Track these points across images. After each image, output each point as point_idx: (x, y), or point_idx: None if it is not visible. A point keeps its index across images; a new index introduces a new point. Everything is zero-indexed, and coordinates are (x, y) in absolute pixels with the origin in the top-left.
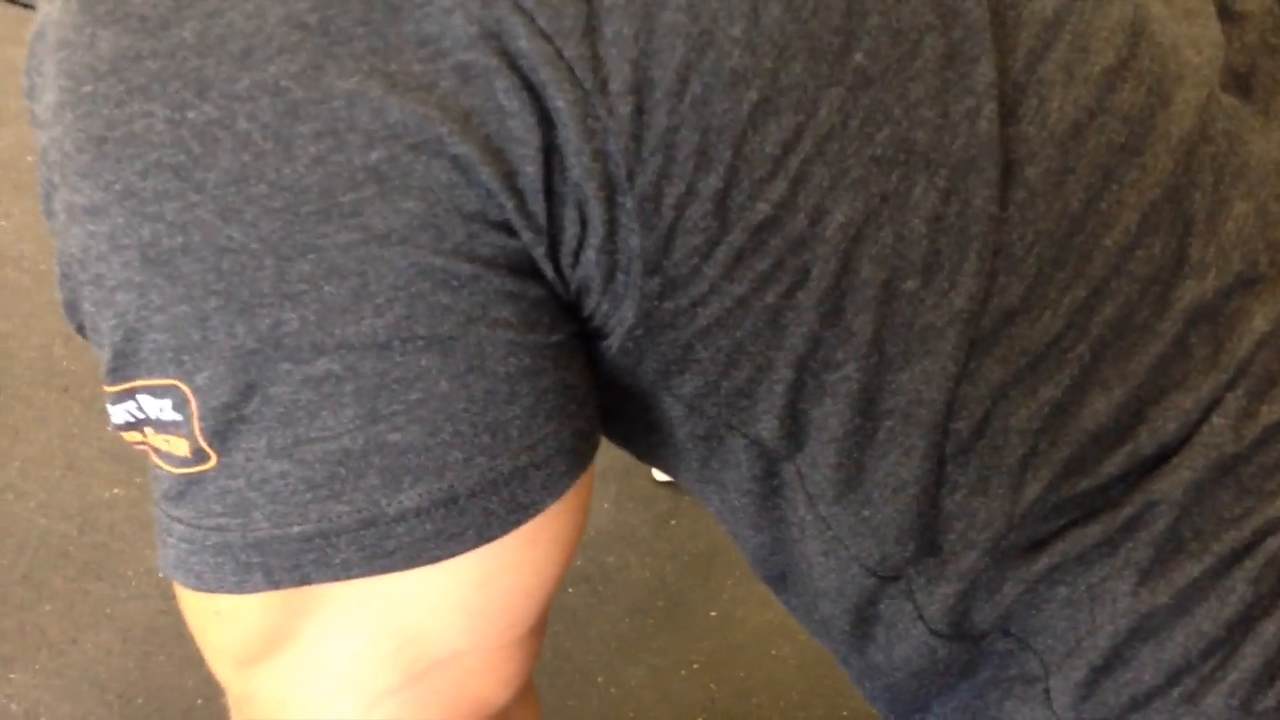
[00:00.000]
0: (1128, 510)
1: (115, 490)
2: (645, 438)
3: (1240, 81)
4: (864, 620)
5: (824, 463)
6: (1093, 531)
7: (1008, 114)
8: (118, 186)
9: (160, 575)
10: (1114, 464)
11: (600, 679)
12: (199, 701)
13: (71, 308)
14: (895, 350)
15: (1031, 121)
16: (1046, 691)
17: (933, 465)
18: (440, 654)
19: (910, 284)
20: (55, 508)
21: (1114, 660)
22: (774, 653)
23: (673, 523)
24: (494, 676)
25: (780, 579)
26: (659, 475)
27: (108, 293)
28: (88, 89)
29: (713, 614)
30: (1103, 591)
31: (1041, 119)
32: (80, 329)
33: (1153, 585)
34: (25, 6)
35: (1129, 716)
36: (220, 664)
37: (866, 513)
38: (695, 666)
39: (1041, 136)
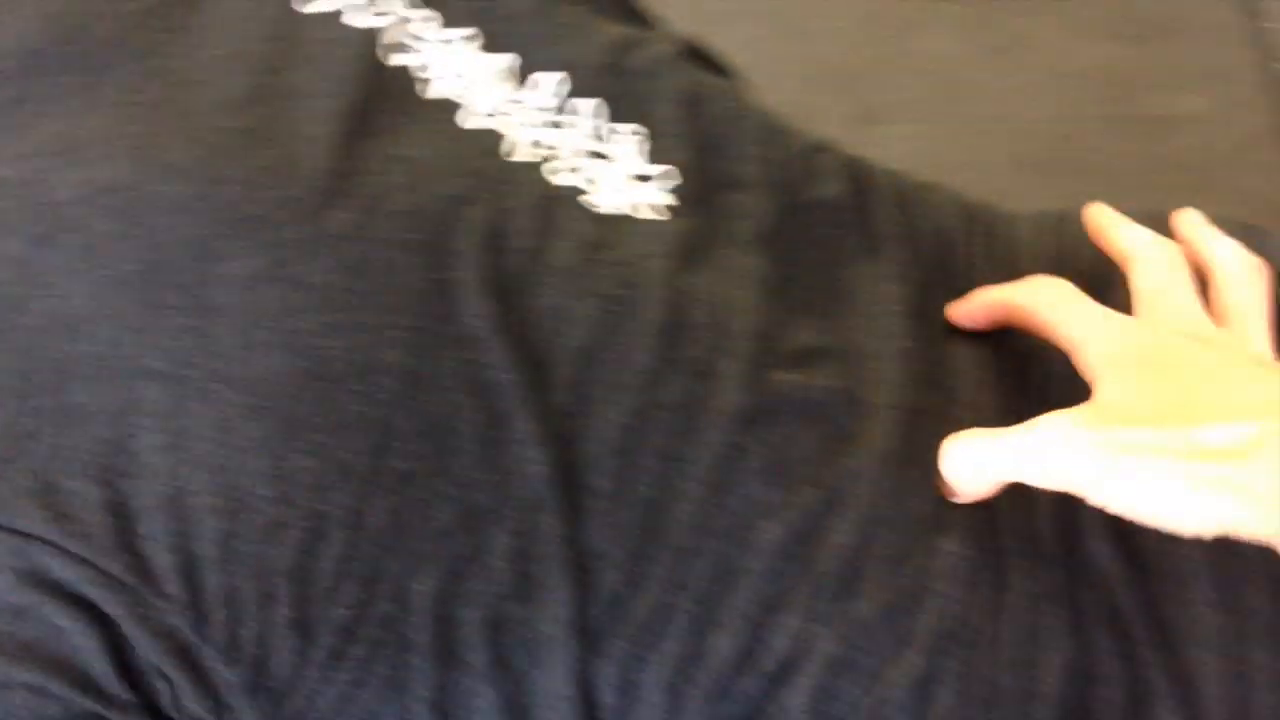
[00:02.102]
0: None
1: None
2: None
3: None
4: None
5: None
6: None
7: (566, 443)
8: None
9: None
10: (749, 684)
11: None
12: None
13: None
14: (522, 664)
15: (590, 440)
16: None
17: None
18: None
19: (514, 609)
20: None
21: None
22: None
23: None
24: None
25: None
26: None
27: None
28: None
29: None
30: None
31: (598, 436)
32: None
33: None
34: None
35: None
36: None
37: None
38: None
39: (601, 450)
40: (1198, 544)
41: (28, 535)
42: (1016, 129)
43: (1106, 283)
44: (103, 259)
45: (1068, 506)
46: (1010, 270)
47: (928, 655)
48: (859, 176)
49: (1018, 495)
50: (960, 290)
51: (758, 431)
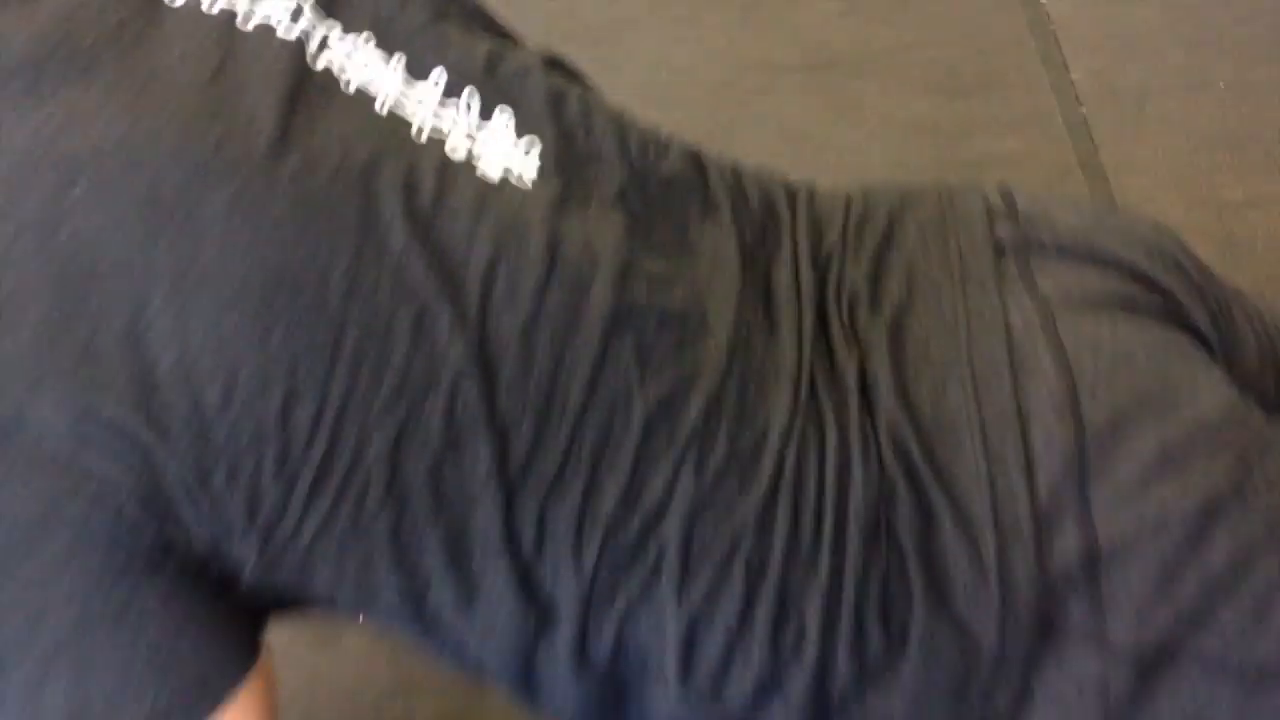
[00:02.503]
0: (653, 549)
1: None
2: (325, 610)
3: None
4: (530, 681)
5: (446, 595)
6: (640, 569)
7: (480, 336)
8: None
9: None
10: (633, 521)
11: None
12: None
13: None
14: (457, 508)
15: (497, 334)
16: (664, 680)
17: (520, 569)
18: None
19: (448, 463)
20: None
21: (689, 645)
22: None
23: None
24: None
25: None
26: None
27: None
28: None
29: None
30: (661, 607)
31: (503, 331)
32: None
33: (688, 592)
34: None
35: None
36: None
37: (491, 614)
38: None
39: (506, 341)
40: (960, 398)
41: (84, 389)
42: (855, 179)
43: (892, 234)
44: (114, 195)
45: (866, 376)
46: (819, 229)
47: (767, 491)
48: (698, 158)
49: (831, 373)
50: (779, 249)
51: (626, 329)
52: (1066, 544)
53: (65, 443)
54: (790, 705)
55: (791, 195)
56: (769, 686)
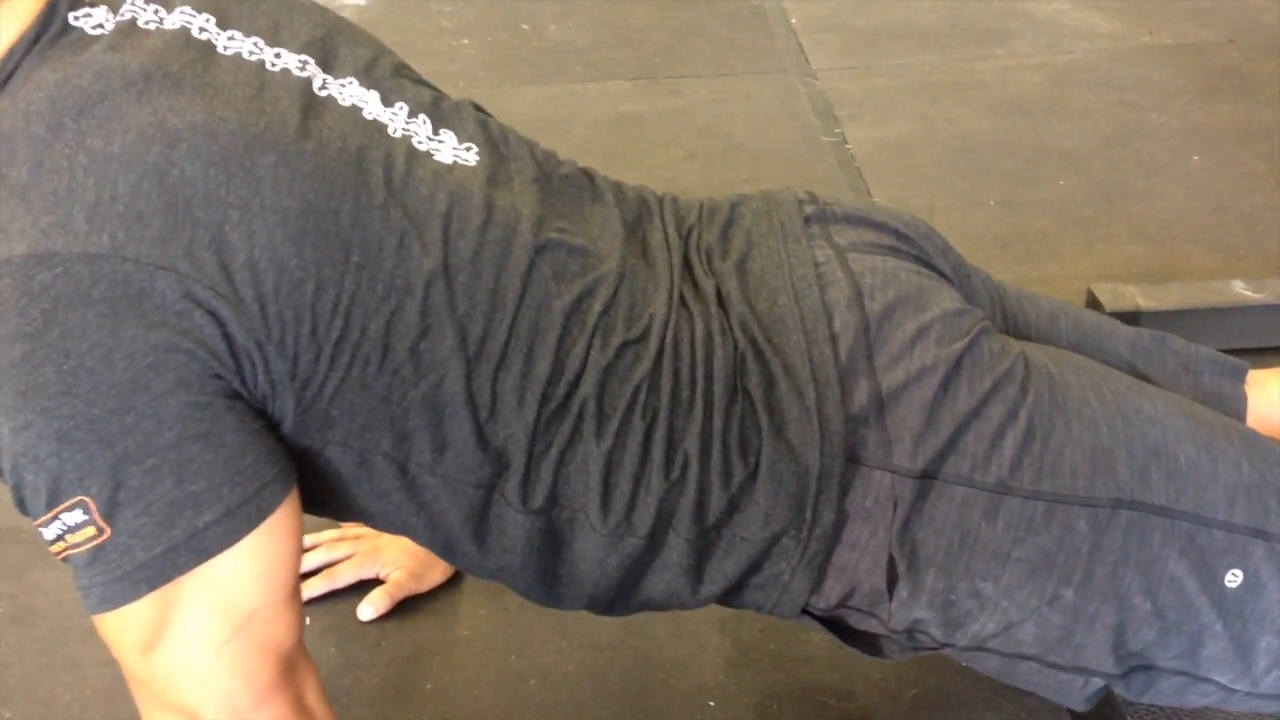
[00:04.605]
0: (576, 405)
1: None
2: (335, 496)
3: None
4: (483, 525)
5: (424, 453)
6: (568, 421)
7: (443, 258)
8: (35, 410)
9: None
10: (558, 389)
11: None
12: None
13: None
14: (431, 377)
15: (454, 257)
16: (590, 524)
17: (478, 425)
18: (247, 608)
19: (423, 343)
20: None
21: (607, 483)
22: None
23: None
24: (282, 623)
25: (447, 549)
26: None
27: (40, 463)
28: (10, 370)
29: None
30: (585, 452)
31: (458, 255)
32: (20, 505)
33: (604, 435)
34: None
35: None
36: (129, 658)
37: (457, 464)
38: None
39: (462, 262)
40: (786, 303)
41: (187, 275)
42: None
43: (733, 215)
44: (202, 154)
45: (721, 293)
46: (681, 214)
47: (654, 359)
48: (587, 169)
49: (696, 291)
50: (651, 222)
51: (544, 255)
52: (861, 392)
53: (175, 310)
54: (679, 530)
55: (658, 196)
56: (665, 511)
